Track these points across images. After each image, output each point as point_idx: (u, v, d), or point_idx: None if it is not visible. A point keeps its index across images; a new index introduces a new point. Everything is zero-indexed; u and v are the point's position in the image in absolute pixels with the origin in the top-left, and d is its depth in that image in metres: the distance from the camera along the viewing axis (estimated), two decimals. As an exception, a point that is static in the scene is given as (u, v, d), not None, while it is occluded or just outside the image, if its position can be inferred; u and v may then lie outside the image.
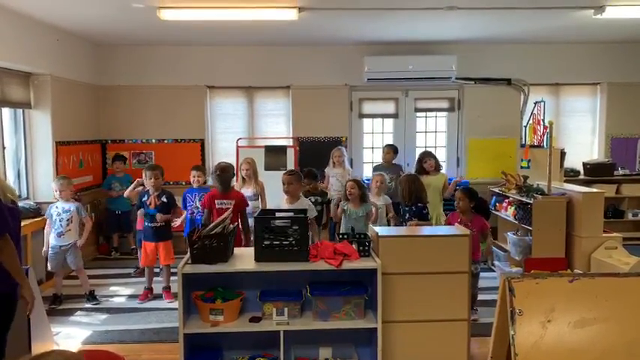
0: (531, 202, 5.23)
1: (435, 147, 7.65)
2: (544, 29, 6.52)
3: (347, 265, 3.29)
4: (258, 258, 3.34)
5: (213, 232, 3.38)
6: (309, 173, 5.63)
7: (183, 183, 6.99)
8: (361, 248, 3.44)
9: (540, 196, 5.22)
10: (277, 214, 3.61)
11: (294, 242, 3.32)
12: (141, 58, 7.39)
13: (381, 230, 3.62)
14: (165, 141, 7.55)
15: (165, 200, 5.14)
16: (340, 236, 3.76)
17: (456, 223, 4.14)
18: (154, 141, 7.54)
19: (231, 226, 3.57)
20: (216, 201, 4.81)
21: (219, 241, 3.33)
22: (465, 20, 5.95)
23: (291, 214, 3.67)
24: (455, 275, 3.45)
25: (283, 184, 4.55)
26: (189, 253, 3.35)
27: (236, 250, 3.60)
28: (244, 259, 3.43)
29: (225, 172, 4.79)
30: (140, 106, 7.45)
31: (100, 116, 7.38)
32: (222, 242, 3.34)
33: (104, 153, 7.48)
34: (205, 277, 3.31)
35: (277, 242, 3.33)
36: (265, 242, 3.34)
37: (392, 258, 3.37)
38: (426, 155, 6.05)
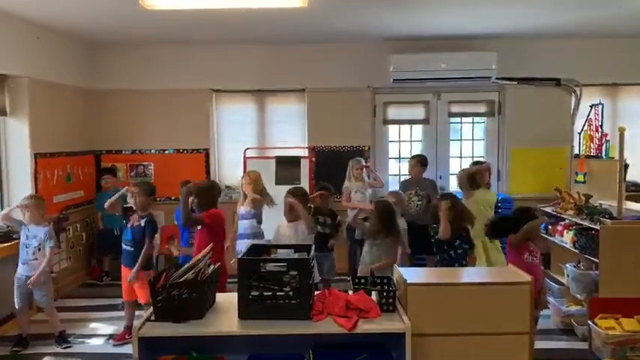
0: (597, 227, 4.25)
1: (472, 157, 6.92)
2: (599, 20, 5.76)
3: (364, 326, 2.49)
4: (244, 314, 2.53)
5: (182, 278, 2.54)
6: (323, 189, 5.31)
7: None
8: (383, 301, 2.60)
9: (609, 221, 4.23)
10: (271, 255, 2.76)
11: (291, 293, 2.53)
12: (138, 58, 6.75)
13: (409, 274, 2.72)
14: (167, 151, 6.87)
15: (142, 224, 4.40)
16: (357, 281, 2.87)
17: (510, 264, 3.21)
18: (153, 151, 6.87)
19: (210, 268, 2.71)
20: None
21: (192, 292, 2.50)
22: (507, 10, 5.34)
23: (290, 251, 2.82)
24: (511, 337, 2.64)
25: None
26: (151, 307, 2.53)
27: (218, 296, 2.76)
28: (226, 313, 2.62)
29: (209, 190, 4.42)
30: (138, 112, 6.81)
31: (93, 124, 6.70)
32: (196, 293, 2.51)
33: (98, 165, 6.79)
34: (173, 339, 2.49)
35: (269, 293, 2.53)
36: (253, 293, 2.51)
37: (425, 313, 2.59)
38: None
